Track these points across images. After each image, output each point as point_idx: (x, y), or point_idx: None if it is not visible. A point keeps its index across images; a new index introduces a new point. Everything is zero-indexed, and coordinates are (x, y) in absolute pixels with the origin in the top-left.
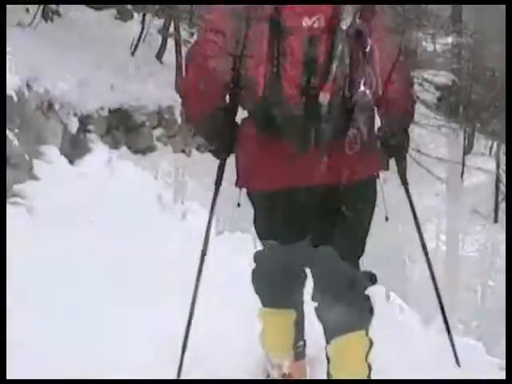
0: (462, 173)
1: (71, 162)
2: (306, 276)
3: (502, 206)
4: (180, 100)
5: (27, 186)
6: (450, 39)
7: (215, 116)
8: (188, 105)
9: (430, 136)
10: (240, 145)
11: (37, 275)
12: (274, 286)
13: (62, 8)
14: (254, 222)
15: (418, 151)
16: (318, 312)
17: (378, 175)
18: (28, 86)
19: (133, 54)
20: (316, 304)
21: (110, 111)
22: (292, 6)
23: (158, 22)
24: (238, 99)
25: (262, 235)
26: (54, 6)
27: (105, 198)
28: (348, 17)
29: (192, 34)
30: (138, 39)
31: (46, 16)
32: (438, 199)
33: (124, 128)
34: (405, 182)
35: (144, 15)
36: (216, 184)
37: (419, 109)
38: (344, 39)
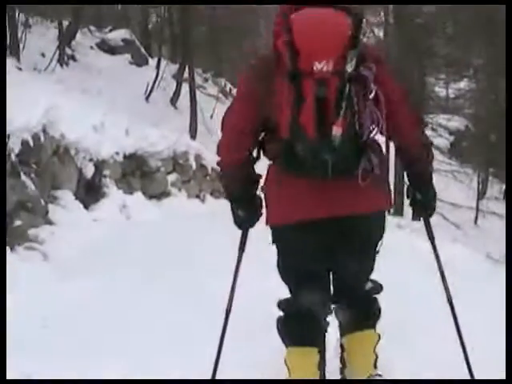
0: (476, 218)
1: (86, 207)
2: (327, 323)
3: None
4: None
5: (42, 230)
6: (462, 84)
7: (243, 165)
8: (221, 155)
9: (444, 181)
10: (266, 188)
11: (53, 320)
12: (299, 329)
13: (78, 53)
14: (278, 266)
15: None
16: (336, 312)
17: (388, 211)
18: (44, 131)
19: (147, 99)
20: (335, 306)
21: (125, 156)
22: (304, 52)
23: (173, 67)
24: (265, 146)
25: (285, 278)
26: (69, 51)
27: (119, 243)
28: (353, 62)
29: (206, 80)
30: (153, 84)
31: (61, 61)
32: (454, 245)
33: (139, 173)
34: (432, 238)
35: (159, 60)
36: (239, 250)
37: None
38: (350, 81)
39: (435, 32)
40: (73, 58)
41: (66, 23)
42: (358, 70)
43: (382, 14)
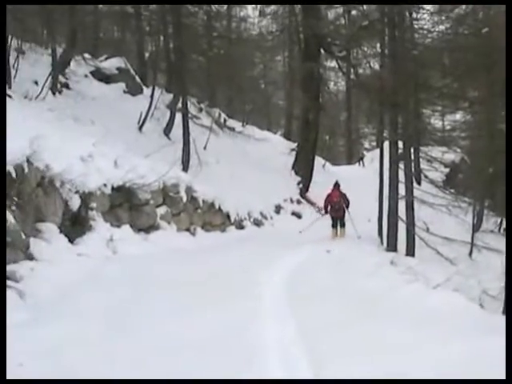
0: (471, 252)
1: (71, 240)
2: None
3: None
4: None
5: (21, 266)
6: (457, 116)
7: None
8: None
9: (439, 215)
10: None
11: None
12: (333, 226)
13: (71, 81)
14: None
15: (427, 231)
16: (339, 224)
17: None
18: (28, 161)
19: (140, 128)
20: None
21: (114, 188)
22: (332, 200)
23: (168, 97)
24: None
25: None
26: (63, 79)
27: (103, 281)
28: (341, 200)
29: (201, 110)
30: (146, 114)
31: (54, 89)
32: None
33: (128, 206)
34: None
35: (153, 89)
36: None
37: (427, 188)
38: (339, 201)
39: (431, 64)
40: (66, 85)
41: (60, 50)
42: (340, 200)
43: (379, 45)
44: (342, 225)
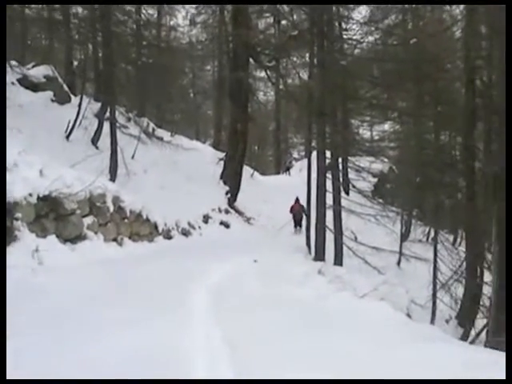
0: (399, 261)
1: None
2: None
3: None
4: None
5: None
6: (386, 126)
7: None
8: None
9: (367, 225)
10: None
11: None
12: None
13: None
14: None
15: (355, 240)
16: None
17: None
18: None
19: (67, 137)
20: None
21: (39, 198)
22: (295, 209)
23: (96, 106)
24: None
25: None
26: None
27: (27, 295)
28: (301, 209)
29: (129, 119)
30: (74, 123)
31: None
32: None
33: (54, 215)
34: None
35: (81, 98)
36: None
37: (355, 198)
38: (299, 211)
39: (360, 74)
40: None
41: None
42: (299, 210)
43: (308, 55)
44: (300, 226)
